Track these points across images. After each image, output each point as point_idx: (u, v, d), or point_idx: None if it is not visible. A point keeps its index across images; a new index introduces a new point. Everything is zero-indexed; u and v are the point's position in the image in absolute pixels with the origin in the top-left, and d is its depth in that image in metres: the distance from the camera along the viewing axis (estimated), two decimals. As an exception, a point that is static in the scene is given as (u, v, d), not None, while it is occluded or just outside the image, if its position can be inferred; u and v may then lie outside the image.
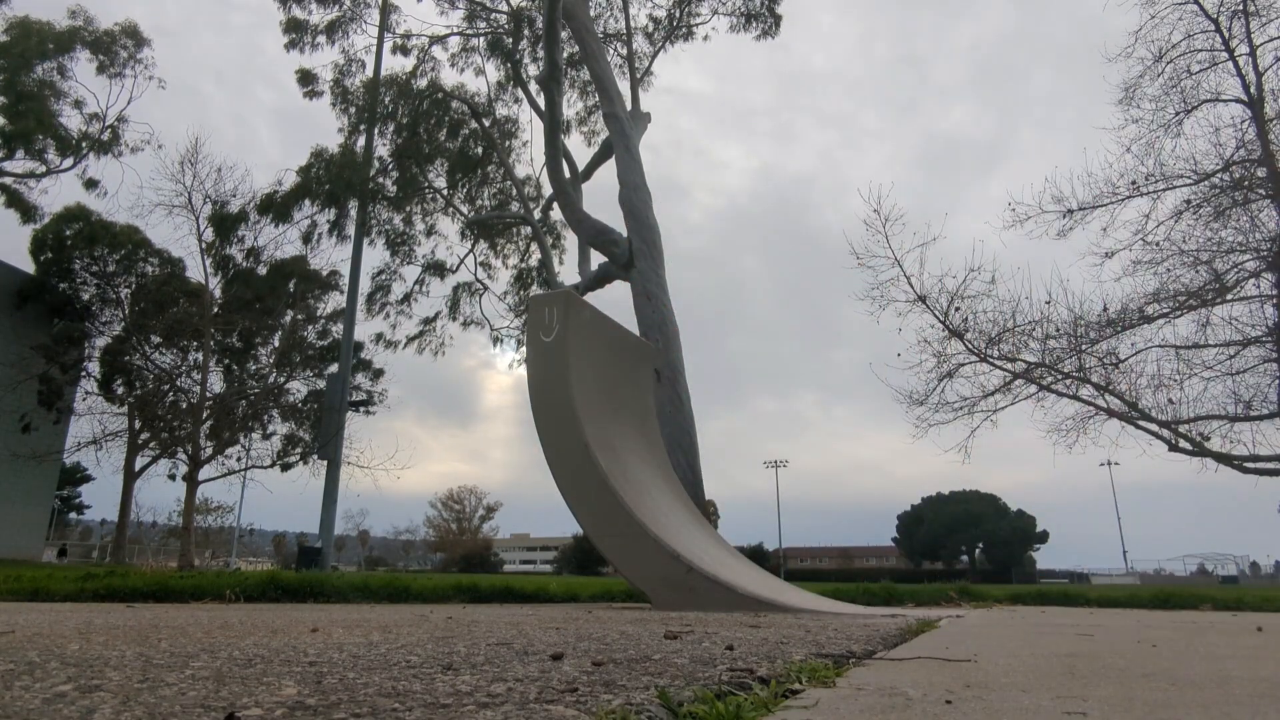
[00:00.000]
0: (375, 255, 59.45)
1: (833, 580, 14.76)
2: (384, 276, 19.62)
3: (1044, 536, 63.34)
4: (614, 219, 11.06)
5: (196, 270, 19.16)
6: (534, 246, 19.41)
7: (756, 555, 41.20)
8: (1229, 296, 10.62)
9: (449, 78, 28.28)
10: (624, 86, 13.26)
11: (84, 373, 20.50)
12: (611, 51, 16.59)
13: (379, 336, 20.09)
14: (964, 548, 63.35)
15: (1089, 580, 58.90)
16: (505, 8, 18.16)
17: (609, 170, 12.32)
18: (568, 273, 20.24)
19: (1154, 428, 10.64)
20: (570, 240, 18.73)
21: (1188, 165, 11.16)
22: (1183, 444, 10.51)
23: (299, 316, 21.23)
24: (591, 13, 14.19)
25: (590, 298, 10.07)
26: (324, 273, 20.97)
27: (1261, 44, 11.18)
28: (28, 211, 20.06)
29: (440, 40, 18.67)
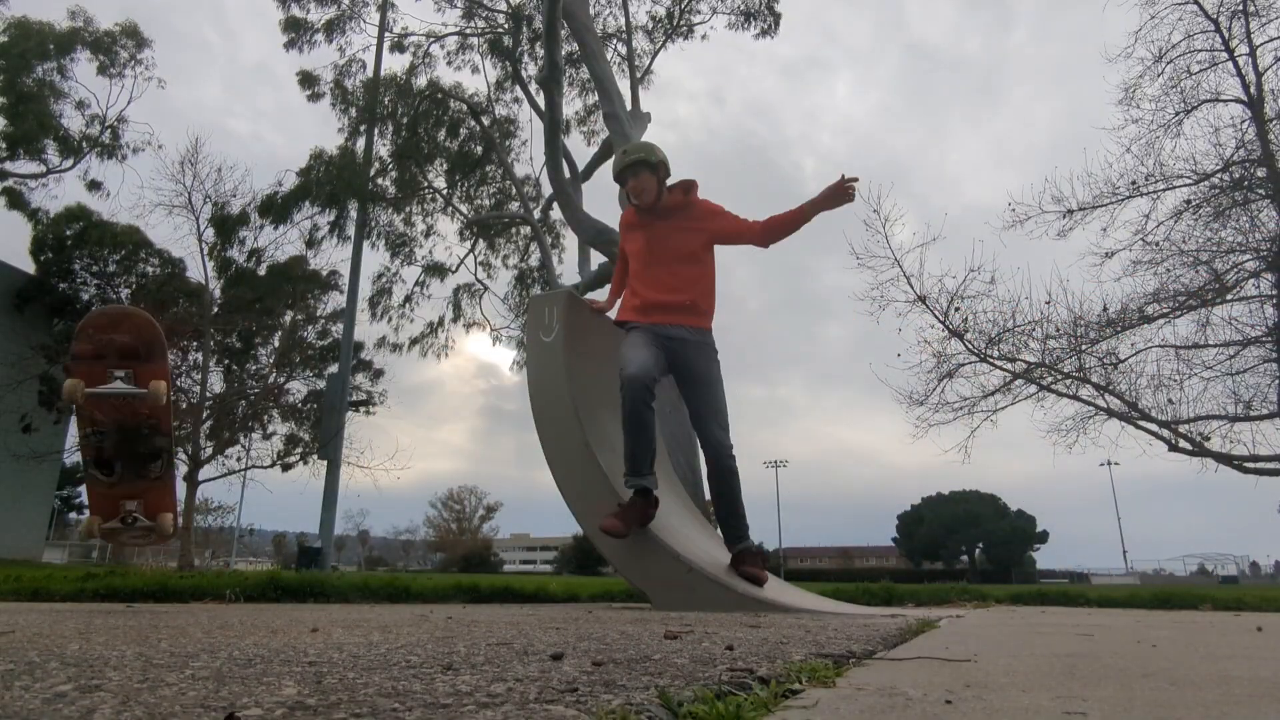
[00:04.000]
0: (375, 257, 59.38)
1: (833, 580, 14.76)
2: (384, 280, 19.71)
3: (1044, 536, 63.46)
4: (614, 219, 11.07)
5: (197, 270, 19.15)
6: (534, 246, 19.42)
7: (756, 555, 41.08)
8: (1229, 296, 10.63)
9: (446, 76, 28.22)
10: (624, 86, 13.26)
11: (84, 373, 20.44)
12: (610, 50, 16.60)
13: (382, 339, 20.16)
14: (964, 548, 63.42)
15: (1089, 580, 58.95)
16: (504, 6, 18.17)
17: (609, 170, 12.32)
18: (568, 273, 20.25)
19: (1154, 428, 10.65)
20: (570, 240, 18.72)
21: (1188, 165, 11.17)
22: (1183, 444, 10.51)
23: (299, 317, 21.21)
24: (591, 11, 14.18)
25: (590, 298, 10.06)
26: (324, 273, 20.98)
27: (1261, 44, 11.19)
28: (31, 213, 20.06)
29: (439, 39, 18.69)
